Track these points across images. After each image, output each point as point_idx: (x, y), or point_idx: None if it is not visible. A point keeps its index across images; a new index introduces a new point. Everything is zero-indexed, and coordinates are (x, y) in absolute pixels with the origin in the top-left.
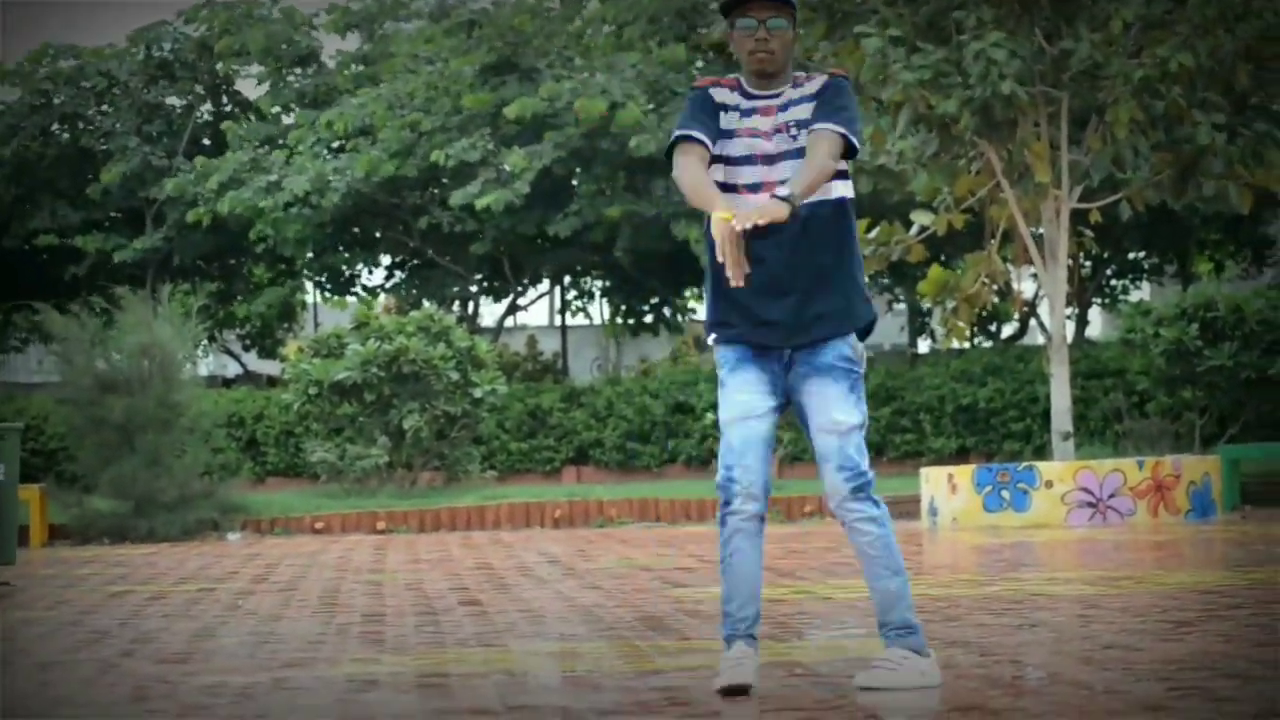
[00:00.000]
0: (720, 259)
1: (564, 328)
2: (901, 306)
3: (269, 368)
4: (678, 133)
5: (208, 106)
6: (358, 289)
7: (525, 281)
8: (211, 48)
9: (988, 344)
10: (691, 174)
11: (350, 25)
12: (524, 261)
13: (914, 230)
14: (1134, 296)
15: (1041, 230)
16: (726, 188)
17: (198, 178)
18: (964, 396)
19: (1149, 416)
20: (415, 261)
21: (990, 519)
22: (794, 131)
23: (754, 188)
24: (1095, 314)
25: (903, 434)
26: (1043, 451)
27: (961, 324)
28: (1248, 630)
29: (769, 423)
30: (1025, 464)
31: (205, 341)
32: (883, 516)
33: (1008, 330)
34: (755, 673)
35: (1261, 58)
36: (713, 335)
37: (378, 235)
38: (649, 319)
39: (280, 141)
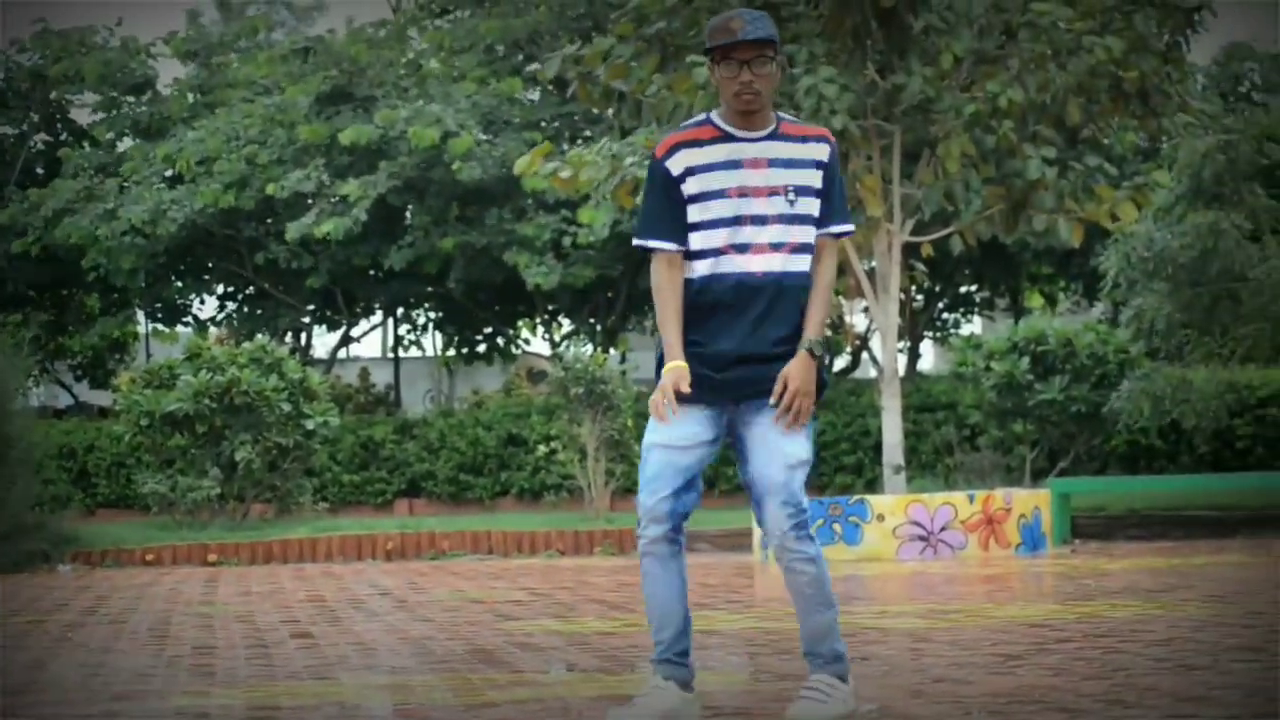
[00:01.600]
0: (658, 399)
1: (397, 359)
2: None
3: (100, 398)
4: (650, 243)
5: (42, 135)
6: (189, 320)
7: (358, 313)
8: (45, 75)
9: None
10: (663, 305)
11: (190, 53)
12: (357, 293)
13: None
14: (965, 330)
15: (873, 264)
16: (709, 253)
17: (30, 207)
18: None
19: (980, 450)
20: (249, 292)
21: (823, 552)
22: (791, 197)
23: (742, 249)
24: (927, 347)
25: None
26: (874, 485)
27: None
28: (1076, 664)
29: (694, 456)
30: (857, 497)
31: (36, 373)
32: (818, 555)
33: (840, 364)
34: (677, 701)
35: (1092, 93)
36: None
37: (211, 266)
38: (482, 349)
39: (114, 170)
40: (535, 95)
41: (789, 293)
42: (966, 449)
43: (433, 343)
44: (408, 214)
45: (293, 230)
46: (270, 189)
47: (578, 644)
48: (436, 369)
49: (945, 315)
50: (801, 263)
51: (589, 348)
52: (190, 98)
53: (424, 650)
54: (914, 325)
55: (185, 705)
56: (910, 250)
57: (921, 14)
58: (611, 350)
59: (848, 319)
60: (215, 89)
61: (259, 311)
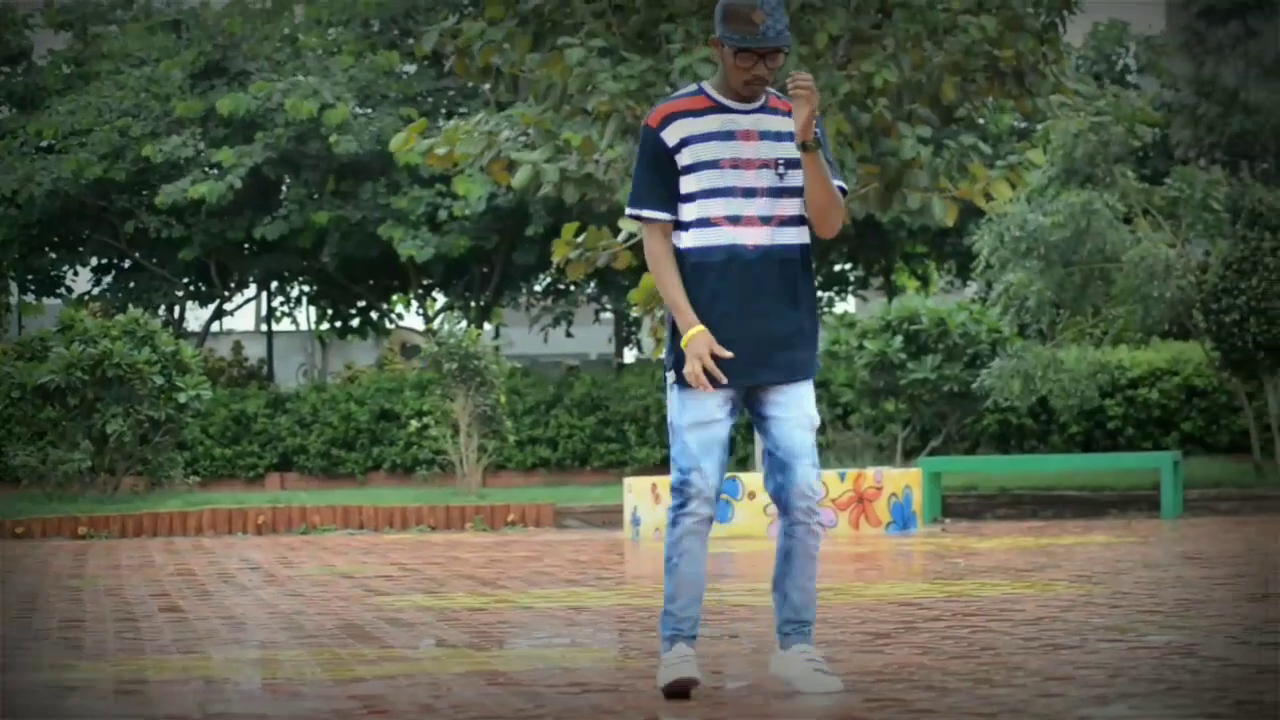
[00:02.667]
0: (692, 374)
1: (270, 333)
2: (609, 315)
3: None
4: (645, 213)
5: None
6: (62, 292)
7: (232, 286)
8: None
9: None
10: (664, 274)
11: (64, 24)
12: (231, 266)
13: (622, 237)
14: (839, 309)
15: None
16: (700, 224)
17: None
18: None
19: (852, 428)
20: (123, 265)
21: None
22: (781, 169)
23: (734, 220)
24: None
25: (607, 443)
26: (746, 462)
27: None
28: (944, 643)
29: (726, 427)
30: (728, 474)
31: None
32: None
33: None
34: (699, 670)
35: (967, 72)
36: (674, 377)
37: (85, 238)
38: (355, 323)
39: None
40: (412, 69)
41: (779, 265)
42: (839, 427)
43: (306, 317)
44: (283, 187)
45: (166, 194)
46: (147, 150)
47: (448, 619)
48: (310, 343)
49: (819, 293)
50: (789, 235)
51: (463, 323)
52: (65, 69)
53: (293, 625)
54: None
55: (52, 679)
56: None
57: None
58: (485, 325)
59: None
60: (90, 60)
61: (132, 284)
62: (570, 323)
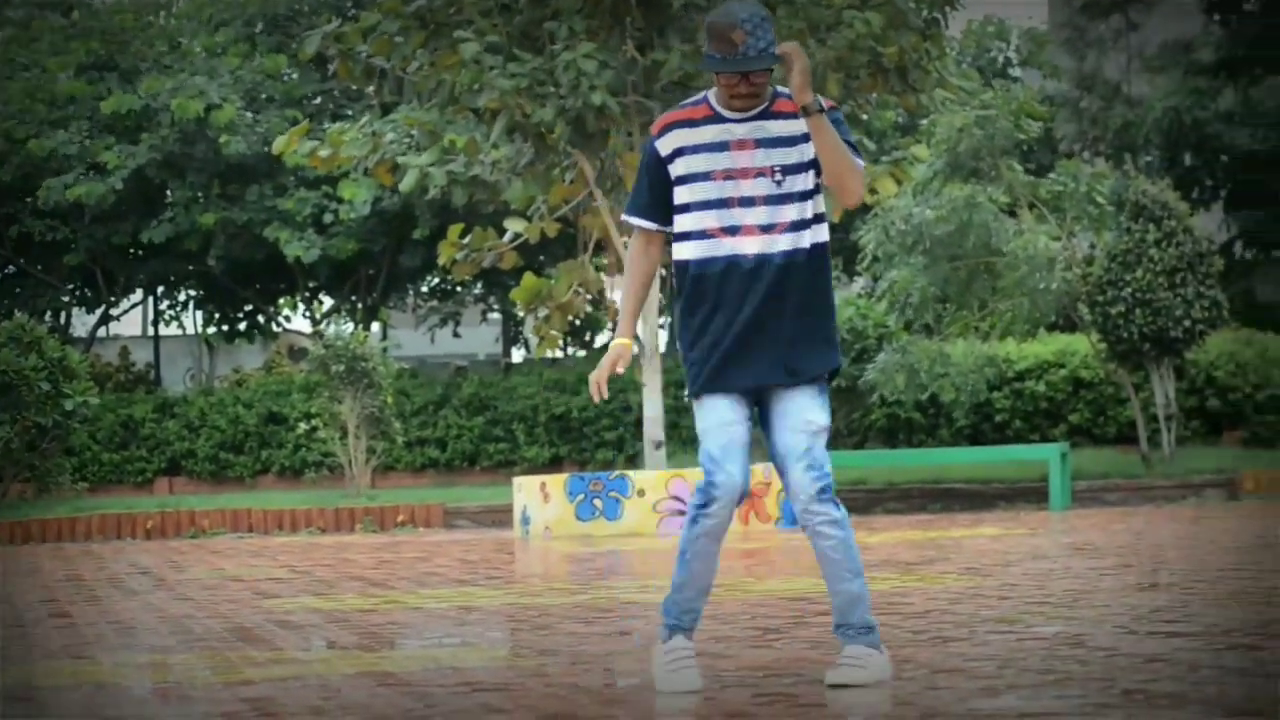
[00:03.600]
0: (596, 377)
1: (157, 338)
2: (496, 316)
3: None
4: (631, 220)
5: None
6: None
7: (118, 291)
8: None
9: (582, 353)
10: (628, 280)
11: None
12: (117, 271)
13: (508, 237)
14: None
15: None
16: (699, 235)
17: None
18: (557, 406)
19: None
20: (7, 271)
21: (583, 527)
22: (778, 177)
23: (732, 231)
24: None
25: (496, 443)
26: (636, 460)
27: (555, 332)
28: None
29: (746, 429)
30: (618, 473)
31: None
32: (844, 519)
33: (601, 340)
34: (699, 677)
35: (850, 68)
36: (699, 388)
37: None
38: (243, 326)
39: None
40: (295, 74)
41: (780, 271)
42: None
43: (193, 320)
44: (169, 190)
45: (49, 188)
46: (32, 145)
47: (337, 621)
48: (197, 347)
49: None
50: (792, 240)
51: (350, 325)
52: None
53: (183, 629)
54: (674, 301)
55: None
56: None
57: None
58: (373, 327)
59: (608, 295)
60: None
61: (18, 290)
62: (457, 323)
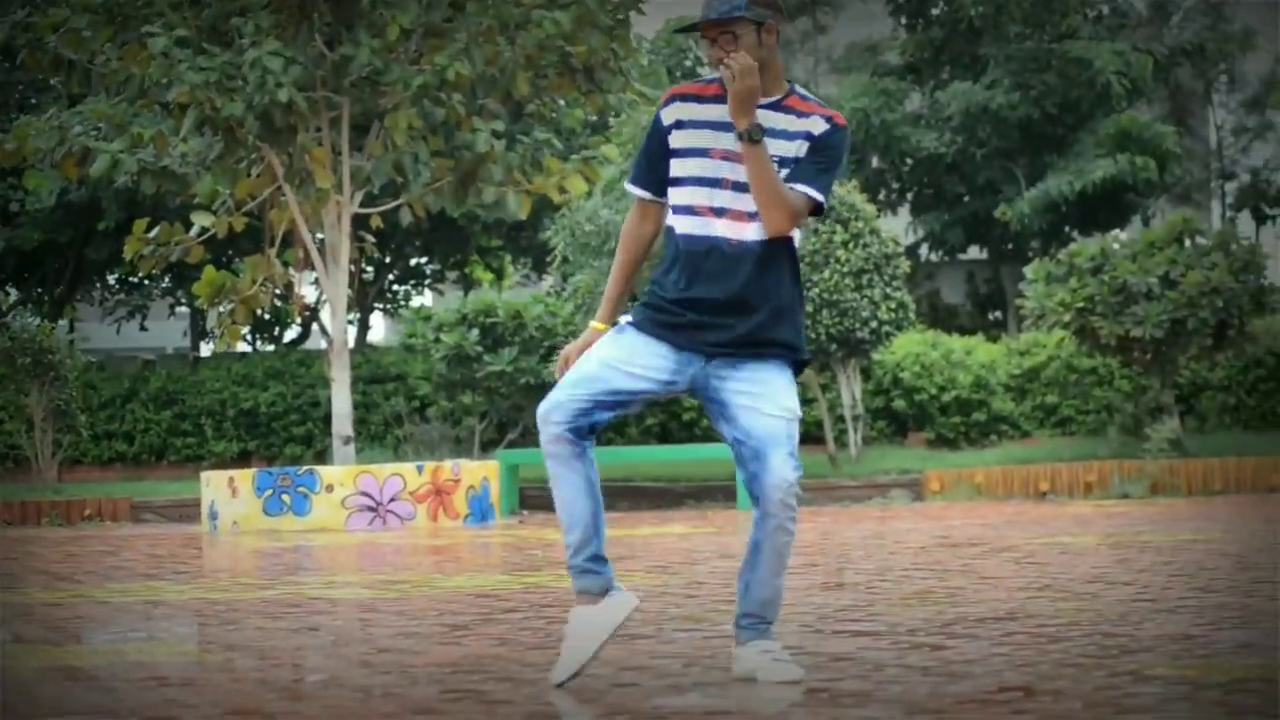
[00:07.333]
0: (567, 352)
1: None
2: (184, 310)
3: None
4: (629, 186)
5: None
6: None
7: None
8: None
9: (270, 348)
10: (617, 255)
11: None
12: None
13: (194, 231)
14: (416, 302)
15: (323, 235)
16: (688, 210)
17: None
18: (245, 400)
19: (430, 421)
20: None
21: (271, 523)
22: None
23: (720, 212)
24: (378, 319)
25: (184, 437)
26: (324, 456)
27: (238, 326)
28: (521, 634)
29: (638, 384)
30: (306, 468)
31: None
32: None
33: (290, 335)
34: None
35: (539, 67)
36: (628, 319)
37: None
38: None
39: None
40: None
41: (762, 261)
42: (416, 420)
43: None
44: None
45: None
46: None
47: (22, 615)
48: None
49: (395, 287)
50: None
51: (36, 318)
52: None
53: None
54: (364, 297)
55: None
56: (360, 222)
57: None
58: (59, 320)
59: (297, 290)
60: None
61: None
62: (145, 316)
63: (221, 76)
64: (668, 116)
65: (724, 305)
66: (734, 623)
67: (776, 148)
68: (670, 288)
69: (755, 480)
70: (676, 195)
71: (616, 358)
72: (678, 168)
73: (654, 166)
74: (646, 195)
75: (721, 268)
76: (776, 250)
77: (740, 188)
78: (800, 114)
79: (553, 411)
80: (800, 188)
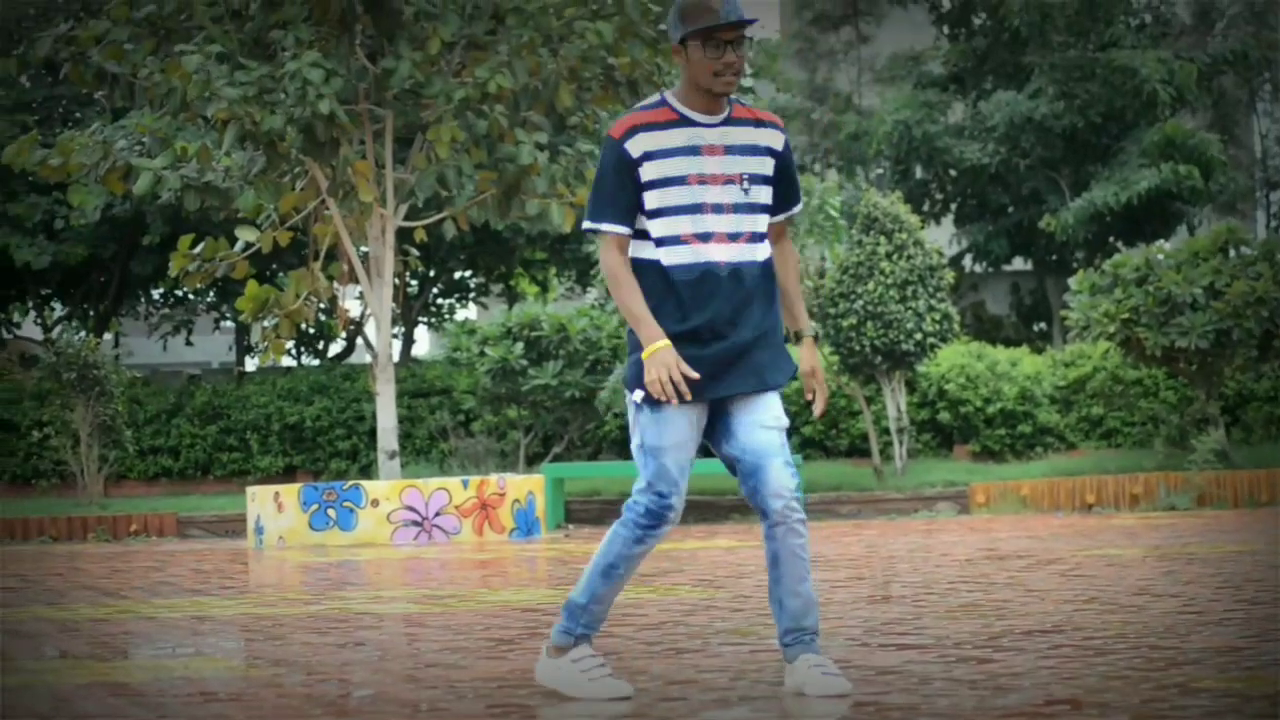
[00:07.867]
0: (656, 382)
1: None
2: (229, 325)
3: None
4: (601, 226)
5: None
6: None
7: None
8: None
9: (315, 362)
10: (622, 286)
11: None
12: None
13: (239, 246)
14: (460, 316)
15: (367, 249)
16: (672, 241)
17: None
18: (291, 415)
19: (475, 435)
20: None
21: (317, 537)
22: (746, 185)
23: (704, 238)
24: (422, 333)
25: (229, 452)
26: (369, 470)
27: (282, 340)
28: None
29: (693, 450)
30: (351, 482)
31: None
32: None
33: (335, 349)
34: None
35: (582, 79)
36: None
37: None
38: None
39: None
40: (26, 82)
41: (751, 281)
42: (461, 434)
43: None
44: None
45: None
46: None
47: (69, 630)
48: None
49: (440, 301)
50: (757, 252)
51: (81, 332)
52: None
53: None
54: (408, 310)
55: None
56: (404, 235)
57: None
58: (105, 334)
59: (341, 304)
60: None
61: None
62: (190, 331)
63: (259, 90)
64: (635, 149)
65: (722, 328)
66: (779, 643)
67: (750, 165)
68: (667, 321)
69: (757, 494)
70: (657, 226)
71: (678, 439)
72: (656, 199)
73: (628, 201)
74: (625, 231)
75: (715, 290)
76: (762, 269)
77: (719, 209)
78: (754, 123)
79: (674, 511)
80: (796, 210)
